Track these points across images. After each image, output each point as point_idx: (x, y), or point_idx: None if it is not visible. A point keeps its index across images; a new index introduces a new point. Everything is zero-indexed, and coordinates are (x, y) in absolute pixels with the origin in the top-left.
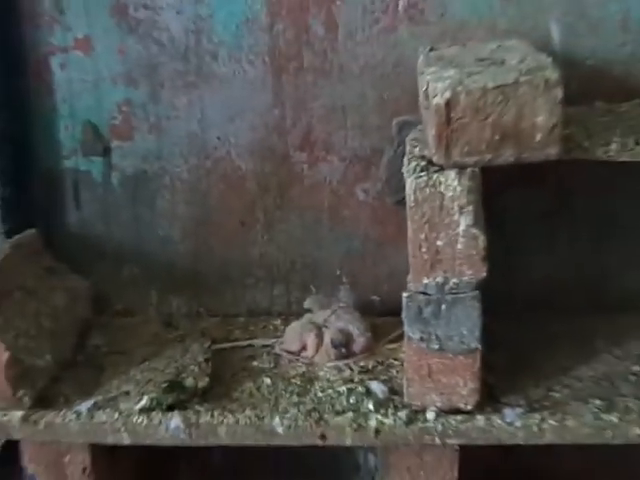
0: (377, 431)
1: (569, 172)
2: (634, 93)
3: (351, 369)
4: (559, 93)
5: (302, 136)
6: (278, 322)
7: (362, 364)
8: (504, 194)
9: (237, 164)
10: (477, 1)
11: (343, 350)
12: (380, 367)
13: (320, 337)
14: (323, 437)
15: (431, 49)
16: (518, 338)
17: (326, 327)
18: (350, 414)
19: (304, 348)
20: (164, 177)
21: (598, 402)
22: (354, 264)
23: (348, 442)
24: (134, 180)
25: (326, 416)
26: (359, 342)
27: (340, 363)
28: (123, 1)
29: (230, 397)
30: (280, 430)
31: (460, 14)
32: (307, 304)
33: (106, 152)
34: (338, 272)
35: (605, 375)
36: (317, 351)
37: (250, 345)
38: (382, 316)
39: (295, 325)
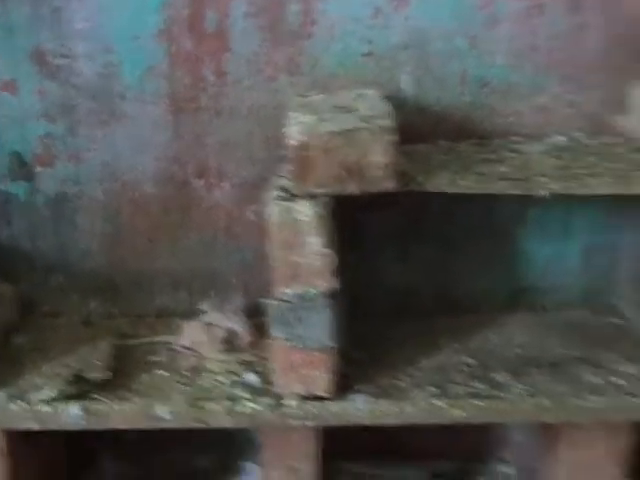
0: (250, 416)
1: (418, 199)
2: (471, 134)
3: (235, 362)
4: (392, 137)
5: (199, 166)
6: (181, 322)
7: (244, 358)
8: (364, 216)
9: (144, 189)
10: (343, 56)
11: (229, 346)
12: (258, 360)
13: (211, 334)
14: (204, 422)
15: (300, 96)
16: (376, 337)
17: (217, 326)
18: (228, 401)
19: (197, 344)
20: (82, 198)
21: (433, 389)
22: (245, 273)
23: (226, 425)
24: (55, 201)
25: (207, 403)
26: (243, 339)
27: (226, 357)
28: (42, 49)
29: (128, 387)
30: (167, 416)
31: (329, 67)
32: (203, 306)
33: (31, 177)
34: (233, 280)
35: (442, 366)
36: (208, 346)
37: (152, 342)
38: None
39: (191, 324)
